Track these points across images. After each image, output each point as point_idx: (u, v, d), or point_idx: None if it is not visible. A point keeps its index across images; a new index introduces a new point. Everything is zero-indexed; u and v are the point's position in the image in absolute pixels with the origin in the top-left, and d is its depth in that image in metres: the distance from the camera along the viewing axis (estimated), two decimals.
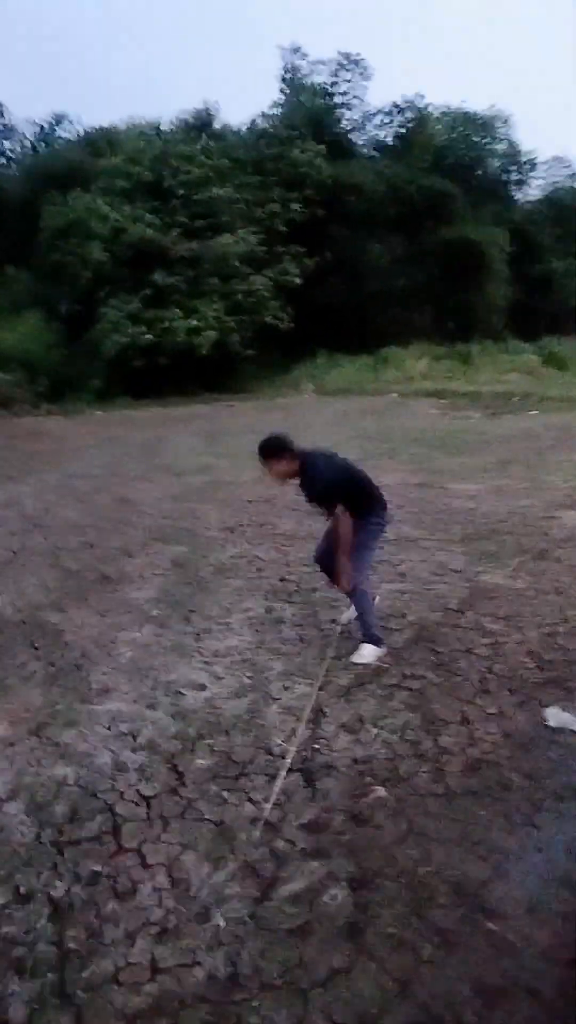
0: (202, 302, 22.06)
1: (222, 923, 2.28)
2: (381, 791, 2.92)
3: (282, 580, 5.56)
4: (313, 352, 25.93)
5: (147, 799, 2.93)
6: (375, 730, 3.37)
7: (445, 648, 4.23)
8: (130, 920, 2.32)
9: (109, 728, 3.48)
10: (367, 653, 4.08)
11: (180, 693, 3.79)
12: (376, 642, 4.14)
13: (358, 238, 26.95)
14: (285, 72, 30.60)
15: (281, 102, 30.23)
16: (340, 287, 26.74)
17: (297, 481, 3.93)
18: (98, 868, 2.55)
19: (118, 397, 21.87)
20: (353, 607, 4.25)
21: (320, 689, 3.77)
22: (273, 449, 3.83)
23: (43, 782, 3.05)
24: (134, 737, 3.38)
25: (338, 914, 2.30)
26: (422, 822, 2.73)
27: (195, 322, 21.56)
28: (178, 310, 21.66)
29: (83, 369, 22.50)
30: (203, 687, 3.85)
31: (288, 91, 30.20)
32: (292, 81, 30.47)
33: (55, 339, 22.67)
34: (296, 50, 30.19)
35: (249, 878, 2.47)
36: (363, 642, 4.14)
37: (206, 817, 2.80)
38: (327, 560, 4.21)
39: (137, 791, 2.99)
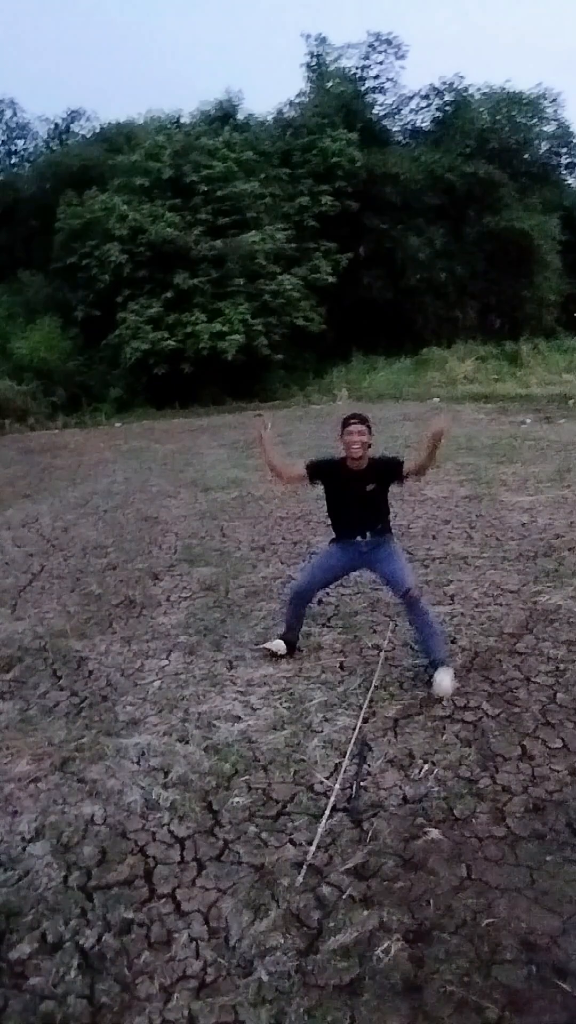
0: (227, 304, 22.27)
1: (265, 977, 2.28)
2: (435, 833, 2.90)
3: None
4: (348, 355, 25.99)
5: (180, 840, 2.95)
6: (427, 766, 3.35)
7: (501, 677, 4.19)
8: (166, 973, 2.33)
9: (138, 763, 3.51)
10: (448, 680, 4.00)
11: (213, 725, 3.81)
12: (447, 663, 4.15)
13: (395, 231, 26.98)
14: (311, 58, 30.95)
15: (307, 90, 30.55)
16: (376, 284, 26.78)
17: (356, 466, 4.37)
18: (130, 915, 2.57)
19: (139, 407, 22.15)
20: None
21: (365, 721, 3.76)
22: (369, 421, 4.44)
23: (70, 821, 3.09)
24: (165, 773, 3.40)
25: (392, 969, 2.28)
26: (482, 868, 2.70)
27: (220, 326, 21.75)
28: (202, 313, 21.88)
29: (102, 378, 22.84)
30: (238, 719, 3.86)
31: (314, 78, 30.51)
32: (318, 67, 30.79)
33: (72, 346, 23.06)
34: (321, 40, 30.52)
35: (293, 928, 2.47)
36: (443, 666, 4.08)
37: (244, 860, 2.80)
38: (308, 599, 4.71)
39: (170, 831, 3.00)
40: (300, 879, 2.67)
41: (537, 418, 15.48)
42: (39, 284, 25.02)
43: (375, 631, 4.92)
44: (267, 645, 4.64)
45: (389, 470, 4.41)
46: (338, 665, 4.46)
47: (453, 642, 4.69)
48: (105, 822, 3.08)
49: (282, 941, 2.41)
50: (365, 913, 2.50)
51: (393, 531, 4.66)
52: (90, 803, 3.20)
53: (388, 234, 26.80)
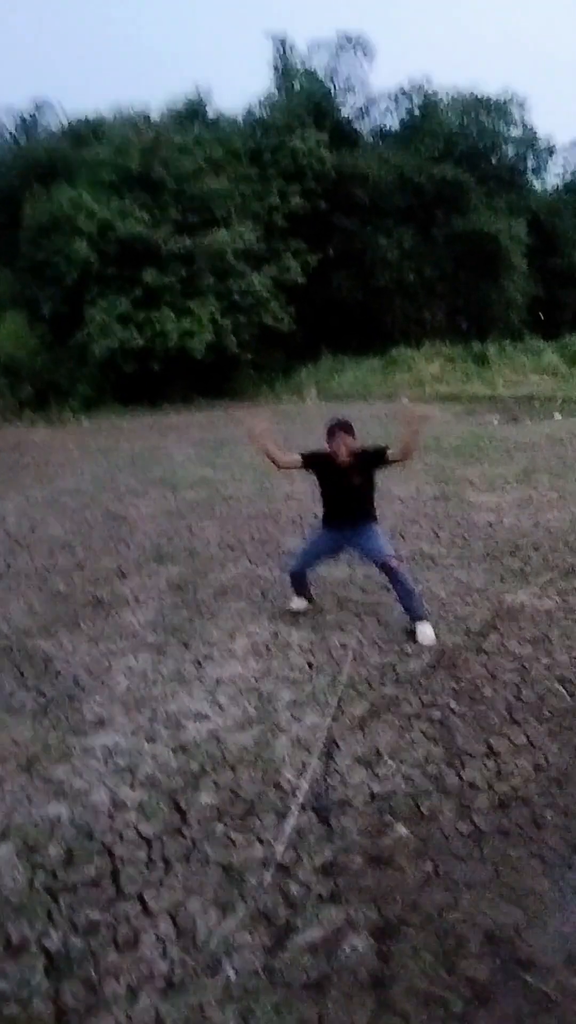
0: (196, 302, 22.20)
1: (232, 976, 2.27)
2: (402, 830, 2.92)
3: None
4: (317, 354, 26.07)
5: (148, 840, 2.93)
6: (394, 764, 3.37)
7: (468, 674, 4.23)
8: (132, 973, 2.31)
9: (105, 763, 3.48)
10: (430, 632, 4.73)
11: (181, 725, 3.79)
12: (427, 617, 4.85)
13: (364, 231, 27.13)
14: (278, 58, 30.90)
15: (275, 89, 30.51)
16: (345, 284, 26.91)
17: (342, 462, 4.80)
18: (96, 916, 2.55)
19: (108, 404, 21.99)
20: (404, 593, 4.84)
21: (333, 719, 3.77)
22: (351, 427, 4.82)
23: (35, 822, 3.05)
24: (132, 772, 3.38)
25: (359, 966, 2.29)
26: (448, 864, 2.73)
27: (189, 324, 21.70)
28: (171, 311, 21.79)
29: (70, 375, 22.64)
30: (206, 718, 3.85)
31: (280, 78, 30.47)
32: (285, 68, 30.75)
33: (39, 343, 22.83)
34: (281, 42, 30.46)
35: (261, 926, 2.46)
36: (422, 620, 4.79)
37: (212, 859, 2.80)
38: (304, 575, 5.29)
39: (137, 831, 2.98)
40: (268, 877, 2.67)
41: (504, 419, 15.69)
42: (6, 280, 24.70)
43: (343, 629, 4.94)
44: (291, 606, 5.30)
45: (374, 458, 4.83)
46: (306, 664, 4.47)
47: (418, 641, 4.73)
48: (71, 823, 3.04)
49: (249, 939, 2.41)
50: (333, 910, 2.51)
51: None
52: (56, 803, 3.17)
53: (357, 235, 26.95)
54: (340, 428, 4.77)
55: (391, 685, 4.15)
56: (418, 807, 3.06)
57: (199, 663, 4.55)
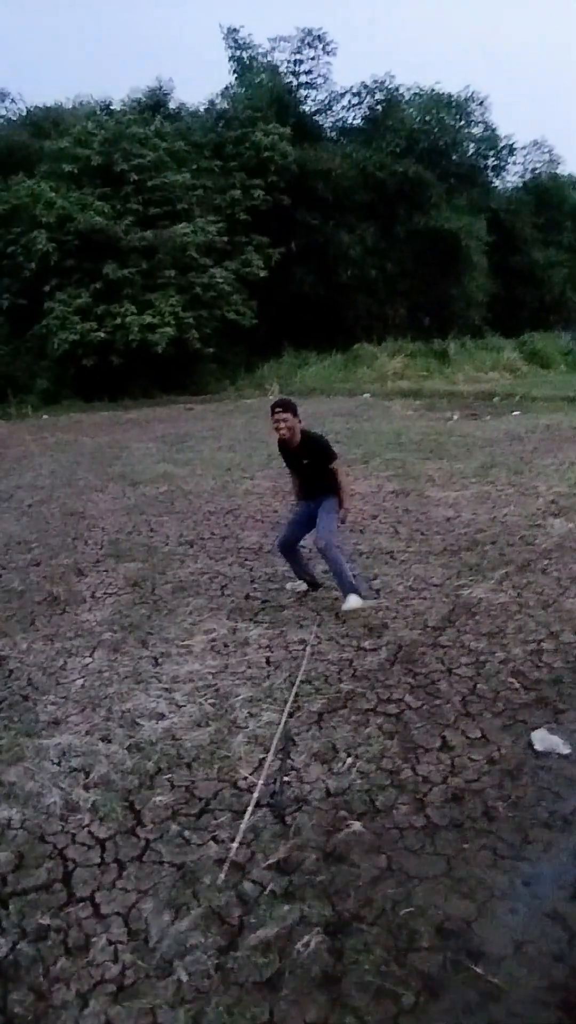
0: (158, 296, 21.95)
1: (185, 977, 2.26)
2: (357, 826, 2.93)
3: (247, 598, 5.55)
4: (279, 349, 26.01)
5: (101, 842, 2.90)
6: (350, 759, 3.38)
7: (424, 669, 4.26)
8: (83, 978, 2.28)
9: (59, 764, 3.43)
10: (353, 602, 5.12)
11: (137, 723, 3.76)
12: (356, 590, 5.20)
13: (327, 227, 27.09)
14: (236, 50, 30.71)
15: (235, 83, 30.32)
16: (308, 279, 26.86)
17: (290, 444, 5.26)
18: (47, 921, 2.51)
19: (67, 399, 21.64)
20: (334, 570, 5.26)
21: (290, 716, 3.77)
22: (294, 407, 5.27)
23: None
24: (86, 773, 3.34)
25: (312, 963, 2.29)
26: (402, 859, 2.74)
27: (150, 318, 21.42)
28: (131, 305, 21.50)
29: (28, 368, 22.23)
30: (162, 716, 3.82)
31: (242, 71, 30.30)
32: (244, 61, 30.58)
33: None
34: (234, 31, 30.23)
35: (214, 926, 2.45)
36: (348, 594, 5.16)
37: (166, 860, 2.78)
38: (292, 549, 5.49)
39: (90, 833, 2.95)
40: (222, 876, 2.66)
41: (464, 415, 15.82)
42: None
43: (301, 626, 4.95)
44: (290, 586, 5.63)
45: (319, 454, 5.26)
46: (264, 660, 4.46)
47: (378, 635, 4.76)
48: (23, 825, 3.00)
49: (202, 940, 2.39)
50: (286, 908, 2.51)
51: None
52: (7, 806, 3.11)
53: (320, 230, 26.90)
54: (276, 405, 5.23)
55: (348, 680, 4.17)
56: (373, 802, 3.07)
57: (156, 661, 4.52)
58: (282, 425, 5.11)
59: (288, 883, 2.63)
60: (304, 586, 5.58)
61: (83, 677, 4.34)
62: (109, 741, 3.60)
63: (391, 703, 3.90)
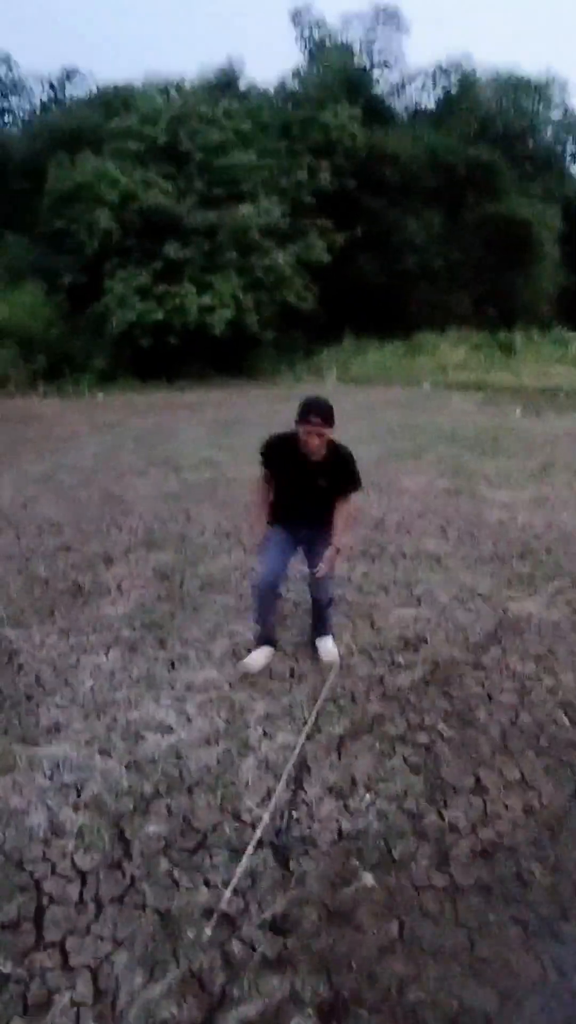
0: (218, 278, 21.69)
1: None
2: (369, 879, 2.58)
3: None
4: (339, 336, 25.51)
5: (83, 874, 2.61)
6: (368, 796, 3.02)
7: (461, 692, 3.87)
8: None
9: (51, 777, 3.15)
10: (332, 648, 4.33)
11: (140, 736, 3.46)
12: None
13: (393, 212, 26.42)
14: (306, 29, 30.12)
15: (307, 63, 29.76)
16: (371, 265, 26.25)
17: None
18: (7, 969, 2.23)
19: (123, 378, 21.58)
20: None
21: (308, 738, 3.42)
22: (334, 416, 3.79)
23: None
24: (78, 791, 3.05)
25: None
26: (416, 925, 2.38)
27: (209, 299, 21.20)
28: (191, 285, 21.30)
29: (85, 347, 22.23)
30: (169, 730, 3.52)
31: (314, 51, 29.71)
32: (315, 40, 29.96)
33: (55, 313, 22.39)
34: (304, 8, 29.61)
35: (192, 994, 2.13)
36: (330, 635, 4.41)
37: (149, 904, 2.47)
38: (276, 589, 4.20)
39: (72, 862, 2.66)
40: (208, 931, 2.33)
41: (526, 411, 15.16)
42: (24, 248, 24.28)
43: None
44: (245, 663, 4.11)
45: (346, 478, 3.99)
46: (288, 671, 4.12)
47: (414, 649, 4.37)
48: (0, 848, 2.73)
49: (175, 1012, 2.07)
50: (276, 980, 2.17)
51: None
52: None
53: (385, 215, 26.25)
54: (314, 412, 3.71)
55: (377, 701, 3.80)
56: (390, 851, 2.71)
57: (172, 664, 4.21)
58: (317, 442, 3.76)
59: (282, 946, 2.30)
60: (267, 655, 4.22)
61: (93, 678, 4.06)
62: (108, 755, 3.30)
63: (422, 730, 3.52)
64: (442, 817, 2.89)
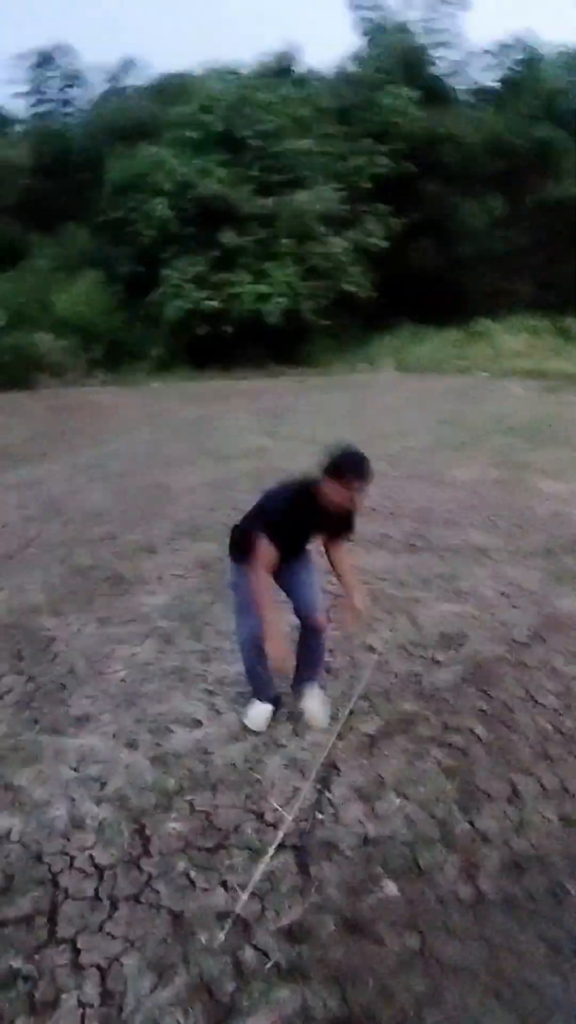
0: (274, 266, 21.55)
1: None
2: (392, 888, 2.48)
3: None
4: (395, 323, 25.09)
5: (100, 870, 2.57)
6: (398, 800, 2.91)
7: (502, 693, 3.71)
8: None
9: (76, 769, 3.14)
10: (318, 705, 3.56)
11: (168, 730, 3.42)
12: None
13: (452, 196, 25.77)
14: (363, 10, 29.54)
15: (363, 44, 29.23)
16: (430, 251, 25.67)
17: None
18: (18, 964, 2.20)
19: (179, 367, 21.69)
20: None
21: (339, 737, 3.33)
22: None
23: None
24: (102, 785, 3.02)
25: None
26: (438, 941, 2.27)
27: (265, 288, 21.09)
28: (247, 274, 21.25)
29: (142, 336, 22.41)
30: (197, 724, 3.47)
31: (370, 29, 29.14)
32: (371, 20, 29.37)
33: (113, 302, 22.64)
34: None
35: (199, 1002, 2.07)
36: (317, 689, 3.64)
37: (164, 904, 2.42)
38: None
39: (91, 857, 2.63)
40: (221, 937, 2.27)
41: None
42: (82, 238, 24.58)
43: (372, 628, 4.46)
44: (247, 722, 3.46)
45: (345, 526, 3.53)
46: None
47: (456, 647, 4.23)
48: (21, 840, 2.71)
49: (182, 1020, 2.01)
50: (287, 992, 2.09)
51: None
52: (8, 815, 2.84)
53: (444, 199, 25.63)
54: (367, 477, 3.19)
55: (412, 699, 3.68)
56: (416, 860, 2.60)
57: (206, 657, 4.17)
58: (362, 504, 3.44)
59: (296, 955, 2.22)
60: (270, 712, 3.51)
61: (126, 668, 4.04)
62: (134, 748, 3.27)
63: (458, 732, 3.38)
64: (473, 825, 2.77)
